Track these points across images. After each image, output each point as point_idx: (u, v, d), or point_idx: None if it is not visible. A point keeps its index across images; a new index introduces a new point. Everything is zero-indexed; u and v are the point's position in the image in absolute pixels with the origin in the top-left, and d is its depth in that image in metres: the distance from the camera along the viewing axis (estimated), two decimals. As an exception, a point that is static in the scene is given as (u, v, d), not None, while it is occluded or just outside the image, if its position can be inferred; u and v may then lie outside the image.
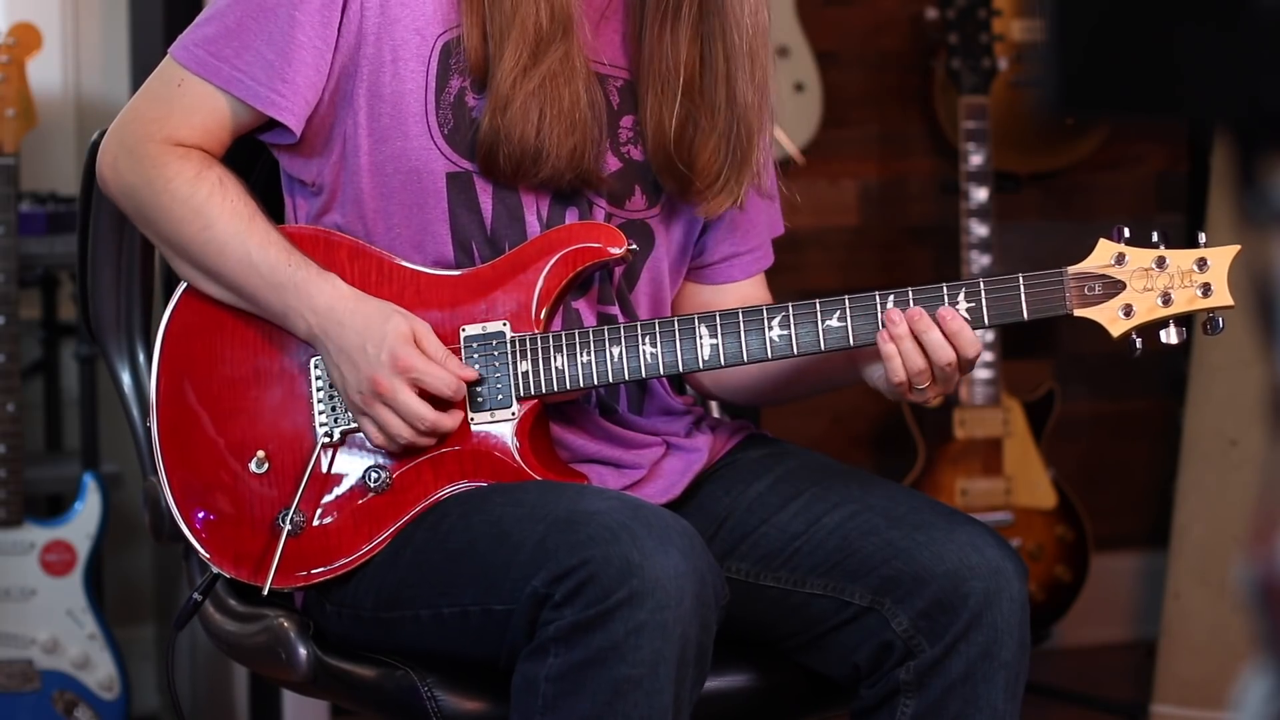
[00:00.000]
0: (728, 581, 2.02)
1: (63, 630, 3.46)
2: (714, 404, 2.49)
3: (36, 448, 3.77)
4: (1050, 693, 3.84)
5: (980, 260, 3.80)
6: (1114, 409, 4.30)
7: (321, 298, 2.09)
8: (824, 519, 2.10)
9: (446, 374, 2.06)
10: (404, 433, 2.07)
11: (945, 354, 2.04)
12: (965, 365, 2.05)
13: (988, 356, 3.83)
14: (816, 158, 3.98)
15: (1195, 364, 3.73)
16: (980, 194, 3.81)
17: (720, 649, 1.99)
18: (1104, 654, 4.19)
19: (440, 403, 2.07)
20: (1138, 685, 3.87)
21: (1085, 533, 3.93)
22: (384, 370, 2.05)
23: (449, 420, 2.07)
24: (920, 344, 2.03)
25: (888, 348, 2.04)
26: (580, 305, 2.16)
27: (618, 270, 2.17)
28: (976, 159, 3.82)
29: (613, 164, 2.16)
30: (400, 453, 2.10)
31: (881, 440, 4.16)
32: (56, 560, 3.46)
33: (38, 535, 3.46)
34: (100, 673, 3.47)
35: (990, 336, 3.82)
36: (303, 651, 2.11)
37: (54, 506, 3.66)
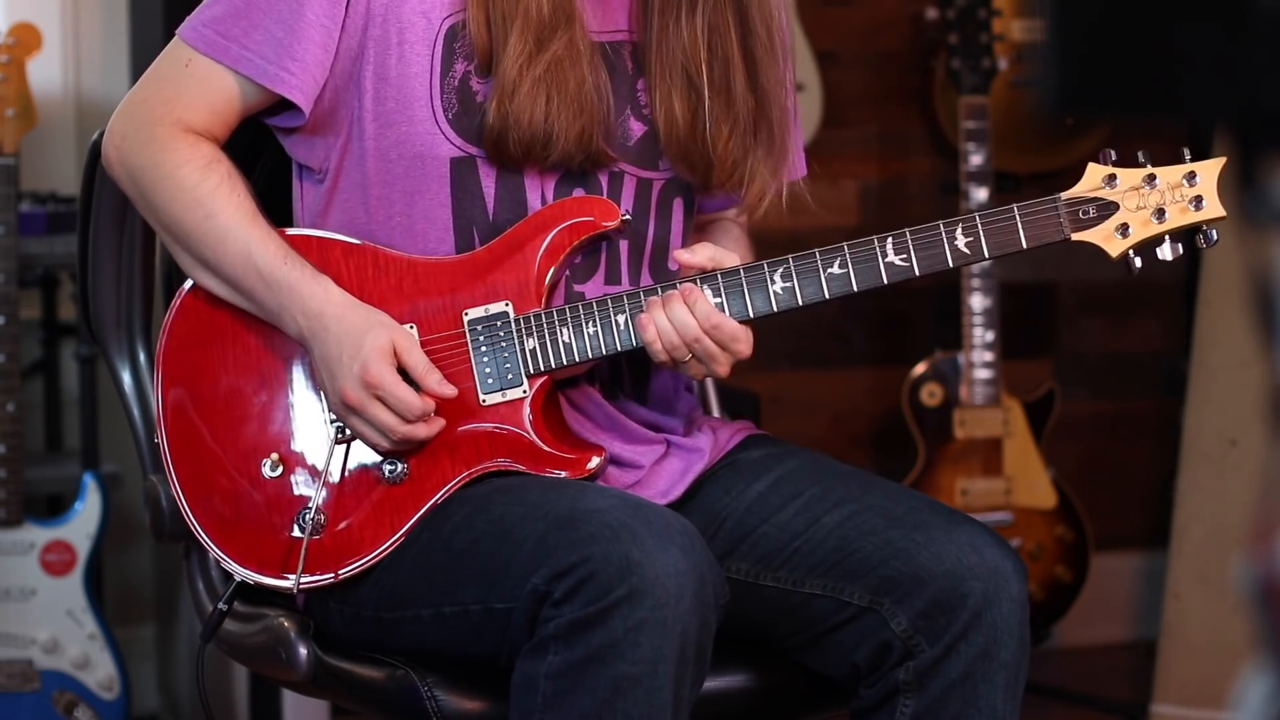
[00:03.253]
0: (727, 581, 2.02)
1: (63, 630, 3.46)
2: (714, 404, 2.49)
3: (36, 448, 3.77)
4: (1050, 693, 3.84)
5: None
6: (1114, 409, 4.30)
7: (313, 301, 2.08)
8: (823, 519, 2.10)
9: (411, 396, 2.06)
10: (381, 442, 2.08)
11: (691, 331, 2.05)
12: (721, 341, 2.06)
13: (987, 357, 3.83)
14: (816, 158, 3.94)
15: (1195, 364, 3.73)
16: (980, 194, 3.81)
17: (720, 649, 1.99)
18: (1104, 654, 4.19)
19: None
20: (1138, 685, 3.87)
21: (1085, 533, 3.93)
22: (353, 383, 2.05)
23: (423, 430, 2.07)
24: (671, 321, 2.05)
25: (647, 334, 2.06)
26: (585, 289, 2.15)
27: (623, 244, 2.16)
28: (976, 159, 3.82)
29: (637, 129, 2.17)
30: (409, 448, 2.10)
31: (881, 440, 4.16)
32: (56, 560, 3.46)
33: (38, 535, 3.46)
34: (100, 673, 3.47)
35: (990, 336, 3.82)
36: (303, 651, 2.10)
37: (54, 506, 3.66)
